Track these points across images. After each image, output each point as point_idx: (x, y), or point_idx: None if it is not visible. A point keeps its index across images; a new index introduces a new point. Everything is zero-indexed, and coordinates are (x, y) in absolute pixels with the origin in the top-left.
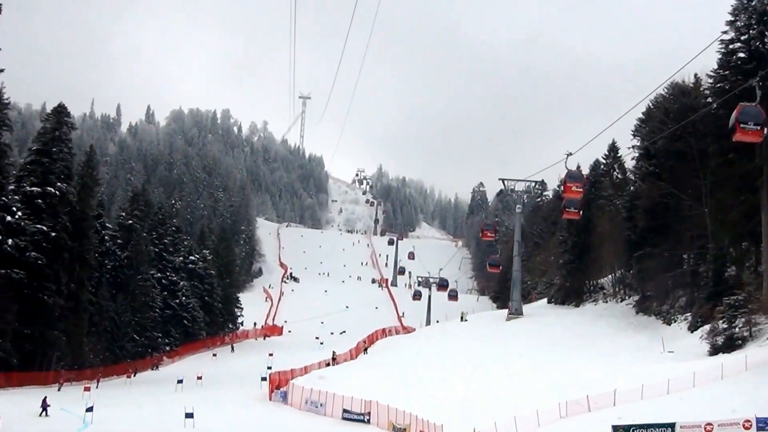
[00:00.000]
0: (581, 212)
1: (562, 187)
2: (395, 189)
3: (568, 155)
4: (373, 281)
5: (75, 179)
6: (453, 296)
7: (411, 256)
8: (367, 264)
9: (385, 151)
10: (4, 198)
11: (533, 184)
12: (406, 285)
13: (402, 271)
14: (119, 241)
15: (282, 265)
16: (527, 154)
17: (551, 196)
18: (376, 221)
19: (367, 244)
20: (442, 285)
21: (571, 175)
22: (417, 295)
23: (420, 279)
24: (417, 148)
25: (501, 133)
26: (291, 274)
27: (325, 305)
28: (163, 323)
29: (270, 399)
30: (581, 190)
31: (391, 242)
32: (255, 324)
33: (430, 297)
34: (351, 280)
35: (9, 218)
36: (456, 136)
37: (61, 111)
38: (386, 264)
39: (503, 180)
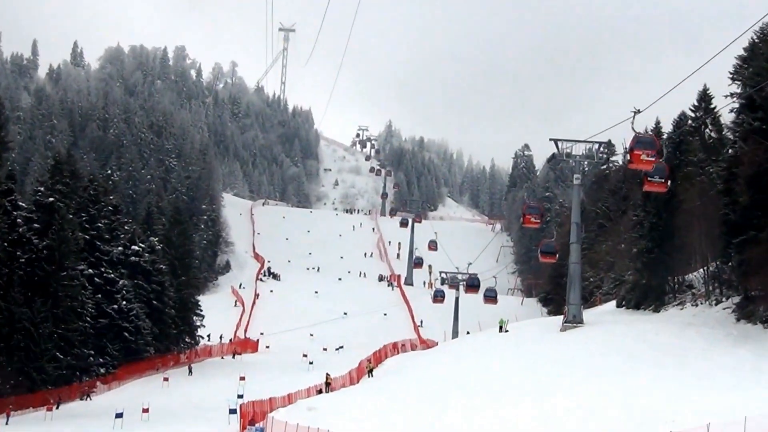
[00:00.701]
0: (668, 183)
1: (627, 156)
2: (410, 154)
3: (635, 113)
4: (381, 278)
5: None
6: (490, 298)
7: (432, 245)
8: (372, 255)
9: (397, 104)
10: None
11: (596, 146)
12: (425, 283)
13: (419, 264)
14: (36, 225)
15: (257, 257)
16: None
17: (621, 162)
18: (385, 197)
19: (372, 229)
20: (473, 285)
21: (640, 140)
22: (439, 297)
23: (444, 275)
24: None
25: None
26: (269, 269)
27: (316, 311)
28: (96, 337)
29: None
30: (653, 159)
31: (404, 224)
32: (221, 337)
33: (457, 300)
34: (351, 277)
35: None
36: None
37: None
38: (398, 255)
39: (556, 141)
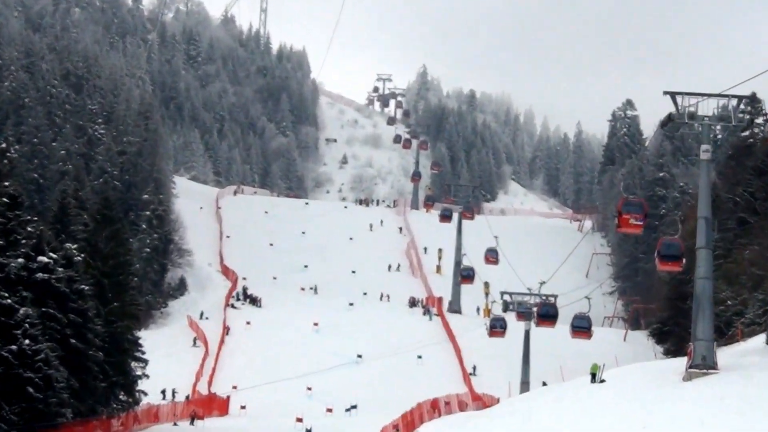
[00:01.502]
0: None
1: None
2: (455, 116)
3: None
4: (413, 303)
5: None
6: (580, 330)
7: (491, 256)
8: (399, 268)
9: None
10: None
11: (734, 102)
12: (479, 310)
13: (469, 278)
14: None
15: (227, 272)
16: (718, 48)
17: None
18: (417, 179)
19: (399, 229)
20: (548, 315)
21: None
22: (499, 329)
23: (507, 298)
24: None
25: (668, 8)
26: (245, 290)
27: (316, 353)
28: None
29: None
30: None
31: (445, 218)
32: (174, 393)
33: (527, 334)
34: (367, 302)
35: None
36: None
37: None
38: (438, 268)
39: (673, 96)
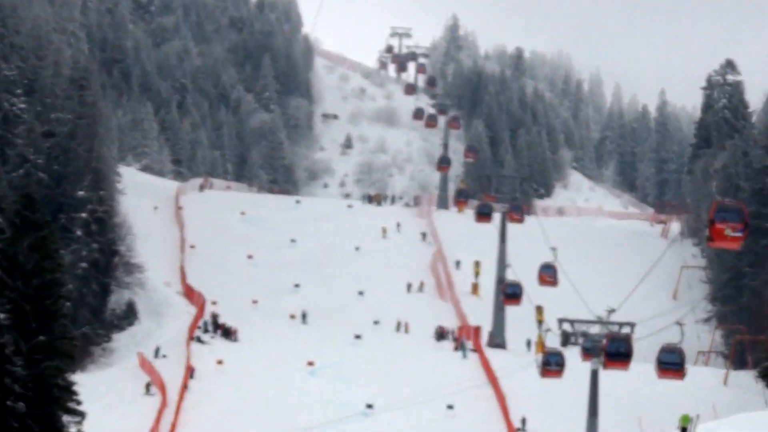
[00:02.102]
0: None
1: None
2: (496, 84)
3: None
4: (442, 335)
5: None
6: (670, 368)
7: (548, 275)
8: (422, 288)
9: None
10: None
11: None
12: (530, 343)
13: (515, 297)
14: None
15: (190, 293)
16: None
17: None
18: (444, 166)
19: (422, 235)
20: (619, 354)
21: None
22: (555, 368)
23: (567, 327)
24: None
25: None
26: (215, 318)
27: (311, 403)
28: None
29: None
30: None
31: (483, 217)
32: None
33: (595, 375)
34: (379, 333)
35: None
36: None
37: None
38: (474, 287)
39: None
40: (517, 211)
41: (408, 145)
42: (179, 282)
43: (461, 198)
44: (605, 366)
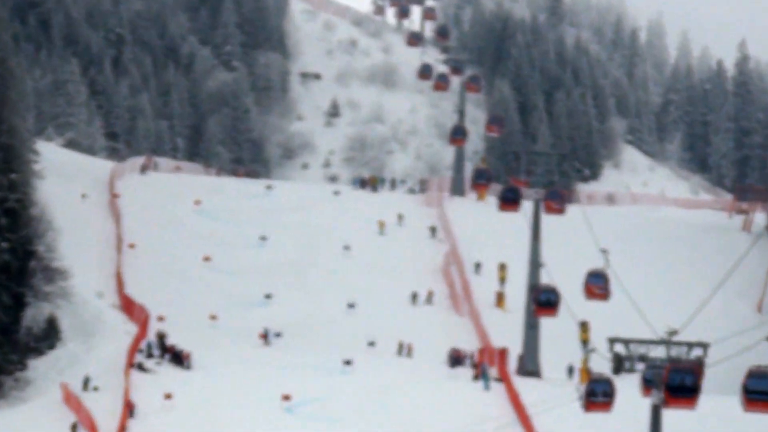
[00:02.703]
0: None
1: None
2: (526, 34)
3: None
4: (457, 361)
5: None
6: (762, 399)
7: (596, 285)
8: (432, 299)
9: None
10: None
11: None
12: (572, 370)
13: (549, 306)
14: None
15: (129, 308)
16: None
17: None
18: (458, 139)
19: (431, 229)
20: (683, 389)
21: None
22: (600, 398)
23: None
24: None
25: None
26: (162, 339)
27: None
28: None
29: None
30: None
31: (509, 206)
32: None
33: (656, 411)
34: (375, 358)
35: None
36: None
37: None
38: (498, 297)
39: None
40: (555, 198)
41: (412, 114)
42: (115, 292)
43: (481, 181)
44: (666, 404)
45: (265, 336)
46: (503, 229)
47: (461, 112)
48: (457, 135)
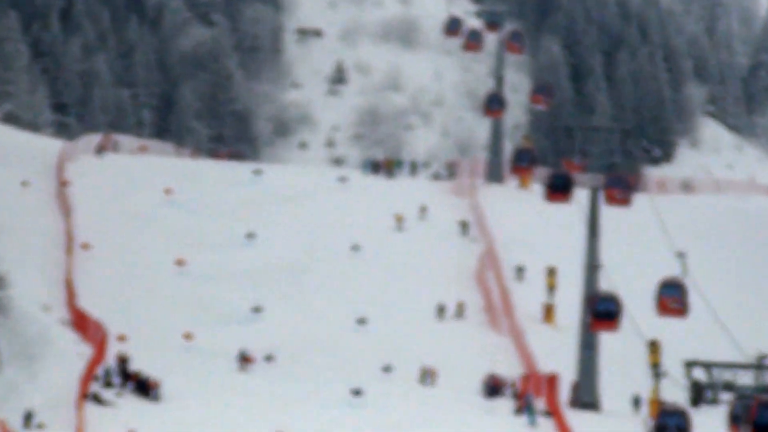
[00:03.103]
0: None
1: None
2: None
3: None
4: (495, 389)
5: None
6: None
7: (671, 299)
8: (462, 312)
9: None
10: None
11: None
12: (638, 401)
13: (608, 317)
14: None
15: (82, 322)
16: None
17: None
18: (495, 110)
19: (461, 225)
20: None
21: None
22: None
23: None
24: None
25: None
26: (123, 363)
27: None
28: None
29: None
30: None
31: (560, 194)
32: None
33: None
34: (392, 386)
35: None
36: None
37: None
38: (547, 310)
39: None
40: (618, 186)
41: (437, 79)
42: (64, 305)
43: (524, 164)
44: None
45: (251, 360)
46: (552, 225)
47: (499, 78)
48: (494, 105)
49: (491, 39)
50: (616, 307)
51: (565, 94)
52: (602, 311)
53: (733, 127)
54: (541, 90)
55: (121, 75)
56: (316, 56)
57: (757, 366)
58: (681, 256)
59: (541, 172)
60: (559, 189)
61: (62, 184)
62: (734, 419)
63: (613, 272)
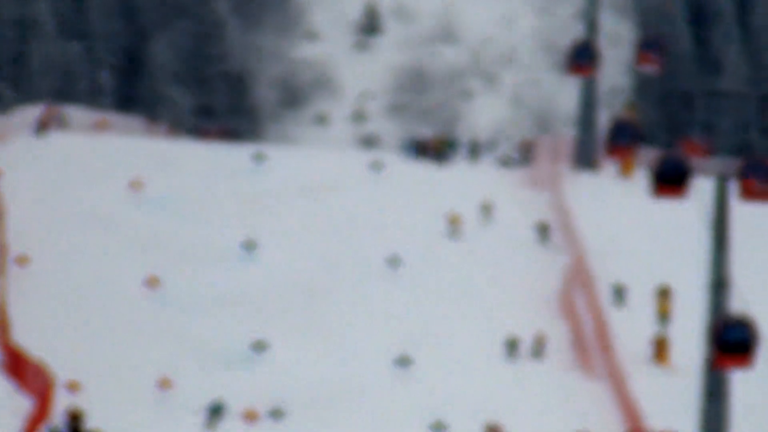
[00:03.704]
0: None
1: None
2: None
3: None
4: None
5: None
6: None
7: None
8: (541, 348)
9: None
10: None
11: None
12: None
13: (736, 349)
14: None
15: (19, 365)
16: None
17: None
18: (583, 61)
19: (539, 228)
20: None
21: None
22: None
23: None
24: None
25: None
26: (75, 421)
27: None
28: None
29: None
30: None
31: (673, 187)
32: None
33: None
34: None
35: None
36: None
37: None
38: (659, 346)
39: None
40: (756, 173)
41: (504, 26)
42: None
43: (624, 142)
44: None
45: (253, 416)
46: (664, 228)
47: (591, 23)
48: (583, 59)
49: (568, 15)
50: (750, 336)
51: (682, 48)
52: (731, 341)
53: None
54: (651, 45)
55: (71, 23)
56: (333, 7)
57: None
58: None
59: (648, 154)
60: (672, 179)
61: None
62: None
63: (747, 292)
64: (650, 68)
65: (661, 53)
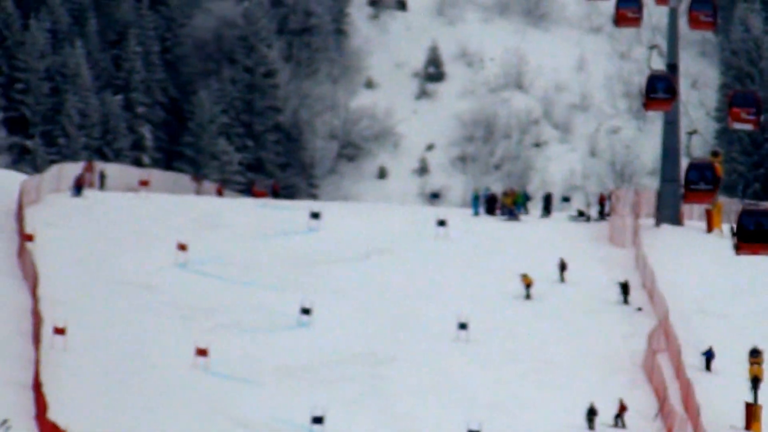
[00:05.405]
0: None
1: None
2: None
3: None
4: None
5: None
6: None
7: None
8: (624, 418)
9: None
10: None
11: None
12: None
13: None
14: None
15: None
16: None
17: None
18: (658, 96)
19: (621, 289)
20: None
21: None
22: None
23: None
24: None
25: None
26: None
27: None
28: None
29: None
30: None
31: (755, 242)
32: None
33: None
34: None
35: None
36: None
37: None
38: (753, 410)
39: None
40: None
41: (579, 68)
42: (31, 418)
43: (702, 188)
44: None
45: None
46: (756, 287)
47: (671, 66)
48: (659, 91)
49: (659, 9)
50: None
51: None
52: None
53: None
54: (742, 100)
55: (109, 72)
56: (401, 39)
57: None
58: None
59: (732, 206)
60: (754, 235)
61: (24, 239)
62: None
63: None
64: (746, 127)
65: (757, 110)
